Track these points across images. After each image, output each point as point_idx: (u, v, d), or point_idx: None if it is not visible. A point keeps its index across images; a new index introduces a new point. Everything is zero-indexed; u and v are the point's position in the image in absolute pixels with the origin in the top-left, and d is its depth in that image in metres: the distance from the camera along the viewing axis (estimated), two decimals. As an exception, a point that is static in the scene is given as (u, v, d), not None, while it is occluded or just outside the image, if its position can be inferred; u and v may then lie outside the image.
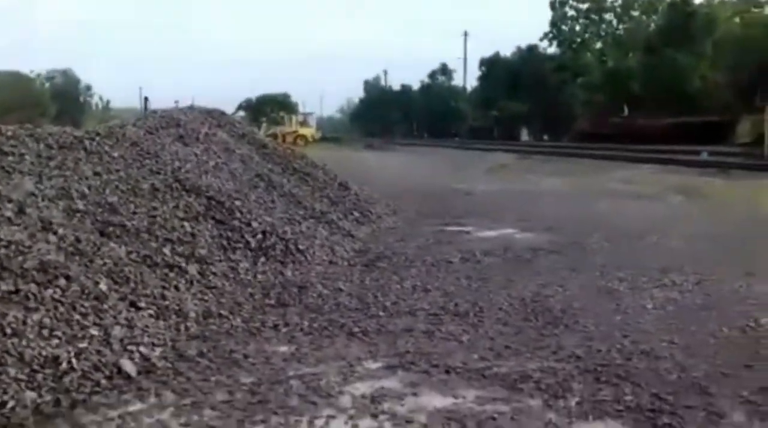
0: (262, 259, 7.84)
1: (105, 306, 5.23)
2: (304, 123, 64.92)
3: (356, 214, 10.95)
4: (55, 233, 6.00)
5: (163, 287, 6.12)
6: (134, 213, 7.27)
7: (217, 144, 10.25)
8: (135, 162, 8.29)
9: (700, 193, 15.43)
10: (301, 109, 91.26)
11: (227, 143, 10.66)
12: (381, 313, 5.83)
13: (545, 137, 58.48)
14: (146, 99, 45.11)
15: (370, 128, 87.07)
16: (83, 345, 4.69)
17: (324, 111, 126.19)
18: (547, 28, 60.26)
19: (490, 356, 4.67)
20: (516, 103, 57.43)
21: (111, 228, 6.84)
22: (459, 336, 5.11)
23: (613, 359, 4.54)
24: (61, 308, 4.96)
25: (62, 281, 5.20)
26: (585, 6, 59.05)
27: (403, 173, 22.83)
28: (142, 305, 5.67)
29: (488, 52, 65.40)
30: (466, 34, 68.16)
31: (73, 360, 4.47)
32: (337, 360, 4.70)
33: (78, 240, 6.08)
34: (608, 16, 59.44)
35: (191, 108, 12.42)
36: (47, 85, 75.77)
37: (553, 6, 59.60)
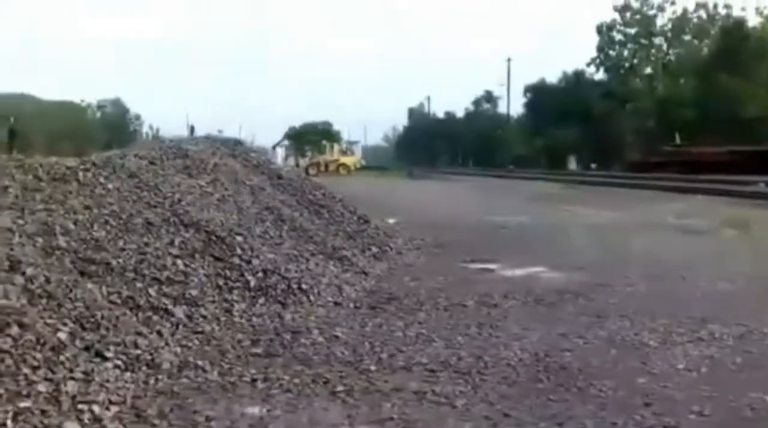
0: (261, 300, 7.36)
1: (61, 357, 4.78)
2: (346, 152, 65.24)
3: (374, 249, 10.43)
4: (23, 273, 5.59)
5: (139, 334, 5.66)
6: (122, 250, 6.86)
7: (226, 175, 9.88)
8: (131, 195, 7.92)
9: (755, 227, 14.52)
10: (345, 137, 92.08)
11: (238, 173, 10.28)
12: (373, 367, 5.26)
13: (593, 166, 57.33)
14: (192, 128, 45.60)
15: (415, 156, 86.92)
16: (26, 403, 4.22)
17: (369, 139, 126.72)
18: (593, 53, 59.34)
19: (485, 426, 4.06)
20: (563, 130, 56.48)
21: (93, 267, 6.43)
22: (453, 400, 4.51)
23: (628, 435, 3.89)
24: (9, 361, 4.52)
25: (14, 329, 4.75)
26: (633, 30, 57.98)
27: (438, 202, 22.28)
28: (110, 354, 5.21)
29: (533, 79, 64.63)
30: (509, 60, 67.43)
31: (9, 423, 4.01)
32: (308, 428, 4.15)
33: (48, 281, 5.66)
34: (658, 40, 58.24)
35: (207, 137, 12.12)
36: (98, 114, 77.77)
37: (599, 30, 58.74)
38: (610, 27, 58.08)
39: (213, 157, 10.46)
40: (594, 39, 58.65)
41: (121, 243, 6.95)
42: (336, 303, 7.58)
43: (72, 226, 6.80)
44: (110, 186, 7.82)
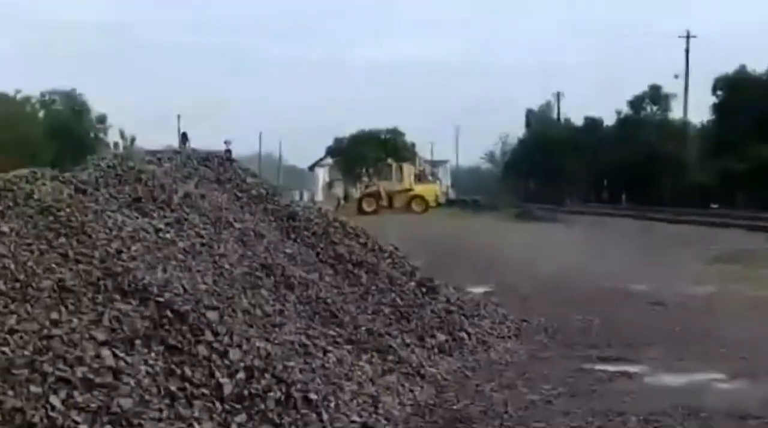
0: (240, 417, 7.14)
1: None
2: (424, 176, 64.01)
3: (440, 336, 10.24)
4: None
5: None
6: (12, 332, 6.72)
7: (200, 212, 9.79)
8: (38, 241, 7.86)
9: None
10: (427, 156, 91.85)
11: (221, 210, 10.18)
12: None
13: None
14: (184, 135, 45.86)
15: (532, 185, 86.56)
16: None
17: (462, 159, 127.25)
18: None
19: None
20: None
21: (-40, 359, 6.32)
22: None
23: None
24: None
25: None
26: None
27: (562, 261, 21.84)
28: None
29: (725, 68, 63.52)
30: (688, 35, 66.53)
31: None
32: None
33: None
34: None
35: (177, 152, 12.11)
36: (41, 113, 79.42)
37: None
38: None
39: (185, 183, 10.40)
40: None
41: (12, 321, 6.81)
42: (365, 426, 7.38)
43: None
44: (4, 228, 7.75)
